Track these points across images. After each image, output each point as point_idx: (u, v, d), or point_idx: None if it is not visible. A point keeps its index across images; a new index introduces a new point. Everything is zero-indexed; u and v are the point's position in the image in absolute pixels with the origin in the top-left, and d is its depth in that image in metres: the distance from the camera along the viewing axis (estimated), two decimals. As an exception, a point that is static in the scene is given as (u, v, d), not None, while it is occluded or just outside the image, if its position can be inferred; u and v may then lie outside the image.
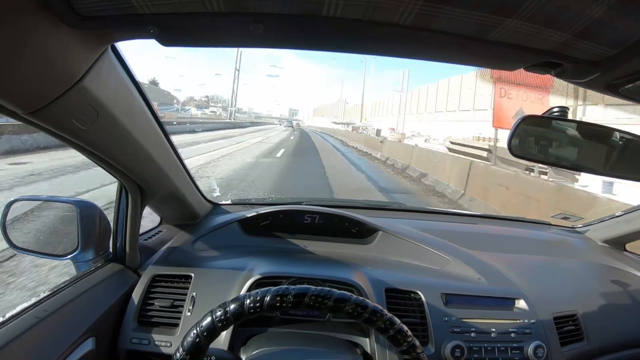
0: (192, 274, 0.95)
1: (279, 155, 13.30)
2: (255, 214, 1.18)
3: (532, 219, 1.68)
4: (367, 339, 0.86)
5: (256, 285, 0.89)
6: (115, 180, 0.89)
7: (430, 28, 0.43)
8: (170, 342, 0.85)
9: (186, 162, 1.03)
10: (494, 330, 0.90)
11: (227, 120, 45.32)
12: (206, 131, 24.65)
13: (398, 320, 0.63)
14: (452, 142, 14.92)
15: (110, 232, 0.95)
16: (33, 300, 0.72)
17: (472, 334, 0.88)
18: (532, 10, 0.37)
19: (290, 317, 0.89)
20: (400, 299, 0.93)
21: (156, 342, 0.85)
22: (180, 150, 0.97)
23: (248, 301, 0.60)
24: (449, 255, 1.12)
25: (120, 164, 0.79)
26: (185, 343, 0.58)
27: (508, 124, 7.14)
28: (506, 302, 0.97)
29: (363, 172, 10.31)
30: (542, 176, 7.03)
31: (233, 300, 0.60)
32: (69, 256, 0.90)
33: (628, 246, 1.41)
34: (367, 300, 0.63)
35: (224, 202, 1.43)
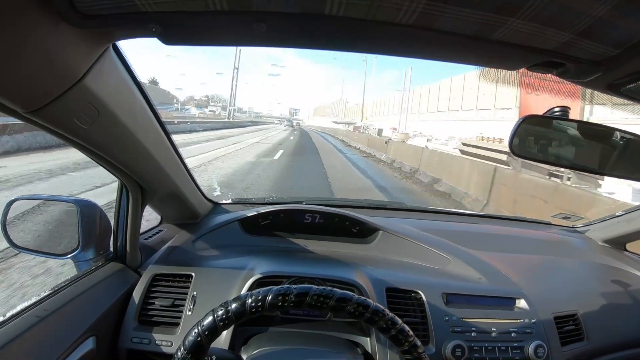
0: (193, 273, 0.95)
1: (276, 157, 11.96)
2: (255, 213, 1.18)
3: (533, 218, 1.68)
4: (368, 339, 0.86)
5: (257, 284, 0.89)
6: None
7: (433, 27, 0.43)
8: (170, 341, 0.85)
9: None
10: (494, 329, 0.90)
11: (226, 120, 44.53)
12: (202, 131, 23.22)
13: (399, 320, 0.63)
14: (464, 144, 12.73)
15: (110, 231, 0.95)
16: (34, 299, 0.72)
17: (473, 334, 0.88)
18: (534, 9, 0.37)
19: (291, 317, 0.89)
20: (401, 299, 0.93)
21: (157, 342, 0.85)
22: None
23: (250, 300, 0.60)
24: (449, 255, 1.12)
25: (121, 163, 0.79)
26: (186, 342, 0.58)
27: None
28: (507, 302, 0.97)
29: (369, 177, 9.35)
30: (554, 179, 6.32)
31: (235, 300, 0.60)
32: (69, 255, 0.90)
33: (628, 246, 1.41)
34: (368, 300, 0.63)
35: (224, 202, 1.43)
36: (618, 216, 1.39)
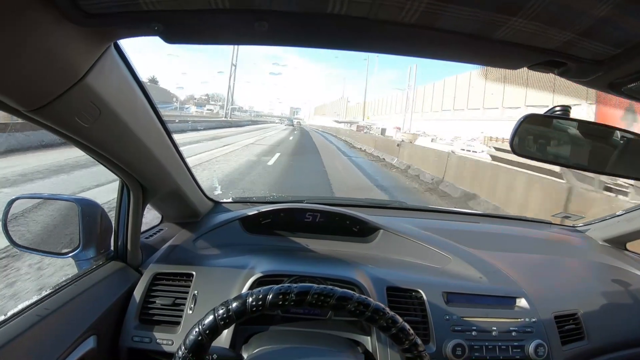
0: (194, 272, 0.96)
1: (271, 162, 9.93)
2: (256, 212, 1.18)
3: (533, 217, 1.68)
4: (369, 337, 0.86)
5: (258, 283, 0.89)
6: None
7: (435, 26, 0.43)
8: (171, 340, 0.86)
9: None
10: (495, 328, 0.90)
11: (223, 119, 43.11)
12: (196, 131, 21.23)
13: (400, 319, 0.63)
14: (497, 148, 9.98)
15: (111, 230, 0.95)
16: (34, 298, 0.72)
17: (473, 333, 0.89)
18: (536, 9, 0.37)
19: (291, 316, 0.89)
20: (402, 298, 0.93)
21: (158, 340, 0.86)
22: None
23: (250, 299, 0.60)
24: (450, 254, 1.12)
25: (122, 162, 0.79)
26: (187, 341, 0.59)
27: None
28: (507, 301, 0.97)
29: (383, 189, 7.58)
30: (620, 196, 4.96)
31: (235, 299, 0.60)
32: (70, 254, 0.90)
33: (629, 245, 1.42)
34: (369, 298, 0.64)
35: (225, 200, 1.43)
36: (618, 216, 1.39)
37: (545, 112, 0.70)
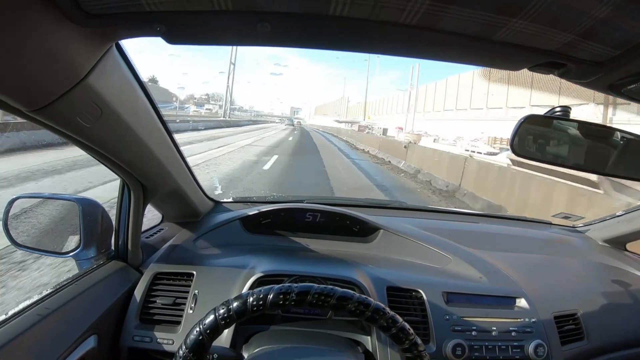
0: (194, 272, 0.96)
1: (267, 167, 8.88)
2: (257, 212, 1.18)
3: (533, 218, 1.68)
4: (369, 337, 0.86)
5: (258, 283, 0.89)
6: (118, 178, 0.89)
7: (436, 28, 0.43)
8: (172, 339, 0.86)
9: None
10: (494, 328, 0.90)
11: (221, 119, 42.08)
12: (192, 131, 20.00)
13: (400, 319, 0.63)
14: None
15: (112, 229, 0.95)
16: (35, 297, 0.72)
17: (473, 333, 0.89)
18: (537, 10, 0.37)
19: (292, 315, 0.89)
20: (402, 297, 0.93)
21: (158, 340, 0.86)
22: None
23: (251, 299, 0.60)
24: (450, 254, 1.12)
25: (123, 162, 0.79)
26: (188, 341, 0.59)
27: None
28: (507, 301, 0.97)
29: (394, 197, 6.82)
30: None
31: (236, 298, 0.61)
32: (71, 254, 0.90)
33: (628, 246, 1.42)
34: (369, 298, 0.64)
35: (225, 200, 1.43)
36: (618, 216, 1.39)
37: (545, 113, 0.70)
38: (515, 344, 0.89)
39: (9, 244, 0.89)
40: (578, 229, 1.53)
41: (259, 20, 0.44)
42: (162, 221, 1.26)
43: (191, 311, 0.89)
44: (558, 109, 0.68)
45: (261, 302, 0.60)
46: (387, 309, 0.63)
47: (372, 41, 0.51)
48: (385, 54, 0.55)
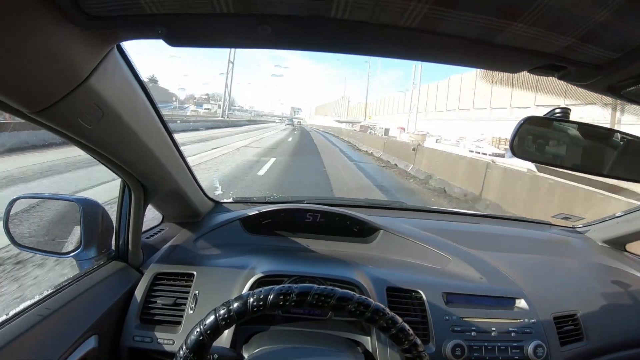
0: (195, 272, 0.96)
1: (262, 172, 7.94)
2: (257, 212, 1.18)
3: (533, 218, 1.68)
4: (369, 338, 0.86)
5: (258, 283, 0.89)
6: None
7: (436, 31, 0.43)
8: (172, 339, 0.86)
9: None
10: (494, 329, 0.90)
11: (219, 118, 40.41)
12: (185, 131, 19.14)
13: (400, 319, 0.64)
14: None
15: (112, 230, 0.96)
16: (36, 298, 0.73)
17: (473, 333, 0.89)
18: (537, 14, 0.38)
19: (292, 316, 0.90)
20: (402, 298, 0.93)
21: (159, 340, 0.86)
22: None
23: (251, 300, 0.60)
24: (449, 255, 1.12)
25: (124, 162, 0.79)
26: (188, 341, 0.59)
27: None
28: (506, 302, 0.97)
29: None
30: None
31: (236, 299, 0.61)
32: (71, 254, 0.90)
33: (628, 246, 1.42)
34: (369, 299, 0.64)
35: (225, 200, 1.43)
36: (618, 217, 1.39)
37: (545, 114, 0.70)
38: (514, 344, 0.89)
39: (10, 243, 0.89)
40: (578, 229, 1.54)
41: (260, 23, 0.44)
42: (162, 221, 1.26)
43: (191, 311, 0.89)
44: (558, 111, 0.68)
45: (261, 303, 0.60)
46: (387, 310, 0.63)
47: (373, 44, 0.51)
48: (385, 57, 0.56)
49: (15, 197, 0.91)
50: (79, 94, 0.52)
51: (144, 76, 0.71)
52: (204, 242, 1.14)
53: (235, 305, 0.60)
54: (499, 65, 0.55)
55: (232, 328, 0.82)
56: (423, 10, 0.38)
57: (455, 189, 7.50)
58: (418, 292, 0.94)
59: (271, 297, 0.60)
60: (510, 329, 0.91)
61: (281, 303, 0.61)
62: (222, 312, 0.60)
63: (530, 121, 0.72)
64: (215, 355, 0.64)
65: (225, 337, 0.82)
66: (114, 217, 0.96)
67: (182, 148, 0.96)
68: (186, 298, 0.92)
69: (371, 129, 33.05)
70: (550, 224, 1.61)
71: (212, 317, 0.59)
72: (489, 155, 12.03)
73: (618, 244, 1.41)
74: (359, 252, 1.16)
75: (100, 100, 0.57)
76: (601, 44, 0.43)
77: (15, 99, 0.48)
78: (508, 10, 0.38)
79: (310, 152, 15.04)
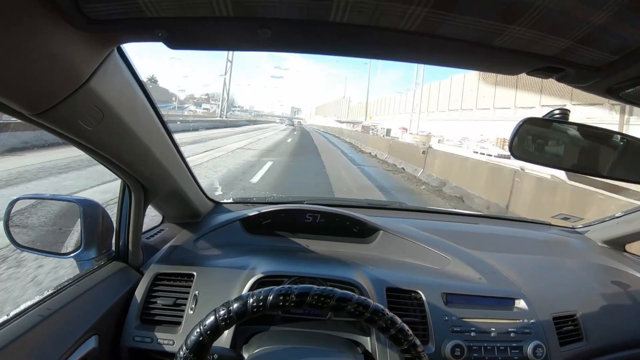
0: (195, 273, 0.96)
1: (256, 179, 7.12)
2: (257, 212, 1.19)
3: (533, 219, 1.68)
4: (368, 338, 0.86)
5: (258, 284, 0.89)
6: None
7: (435, 34, 0.43)
8: (172, 340, 0.86)
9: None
10: (493, 329, 0.90)
11: (218, 119, 39.16)
12: (180, 132, 17.64)
13: (399, 320, 0.64)
14: None
15: (112, 230, 0.96)
16: (37, 298, 0.73)
17: (472, 334, 0.89)
18: (535, 17, 0.38)
19: (292, 316, 0.90)
20: (401, 298, 0.93)
21: (159, 340, 0.86)
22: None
23: (251, 300, 0.60)
24: (449, 255, 1.13)
25: (124, 163, 0.79)
26: (188, 342, 0.59)
27: None
28: (506, 302, 0.97)
29: None
30: None
31: (236, 300, 0.61)
32: (71, 254, 0.90)
33: (628, 247, 1.42)
34: (368, 299, 0.64)
35: (225, 201, 1.43)
36: (617, 217, 1.40)
37: (544, 116, 0.70)
38: (514, 344, 0.89)
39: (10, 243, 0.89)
40: (577, 230, 1.54)
41: (260, 27, 0.44)
42: (162, 222, 1.26)
43: (191, 312, 0.89)
44: (557, 112, 0.69)
45: (261, 303, 0.60)
46: (386, 310, 0.63)
47: (372, 47, 0.52)
48: (384, 59, 0.56)
49: (15, 197, 0.91)
50: (79, 96, 0.53)
51: (144, 77, 0.71)
52: (204, 243, 1.14)
53: (235, 305, 0.60)
54: (498, 67, 0.55)
55: (232, 328, 0.82)
56: (422, 13, 0.39)
57: (475, 200, 6.63)
58: (417, 293, 0.94)
59: (271, 297, 0.61)
60: (509, 329, 0.91)
61: (281, 303, 0.61)
62: (222, 312, 0.60)
63: (529, 122, 0.73)
64: (215, 356, 0.64)
65: (225, 338, 0.82)
66: (114, 217, 0.96)
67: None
68: (186, 298, 0.92)
69: (373, 129, 32.25)
70: (550, 224, 1.61)
71: (212, 318, 0.60)
72: (494, 156, 11.20)
73: (618, 244, 1.41)
74: (359, 252, 1.16)
75: (100, 102, 0.58)
76: (599, 46, 0.43)
77: (16, 101, 0.48)
78: (506, 13, 0.38)
79: (310, 154, 14.08)
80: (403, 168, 10.61)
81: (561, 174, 5.27)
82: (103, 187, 4.70)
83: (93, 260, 0.92)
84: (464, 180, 7.36)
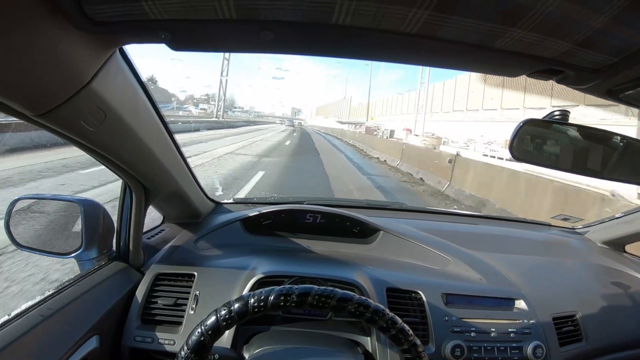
0: (195, 273, 0.96)
1: (242, 195, 5.79)
2: (257, 213, 1.19)
3: (533, 219, 1.69)
4: (369, 338, 0.87)
5: (259, 284, 0.89)
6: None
7: (436, 36, 0.43)
8: (173, 340, 0.86)
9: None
10: (493, 330, 0.90)
11: (214, 119, 37.07)
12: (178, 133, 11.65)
13: (399, 320, 0.64)
14: None
15: (113, 230, 0.96)
16: (38, 298, 0.73)
17: (472, 334, 0.89)
18: (536, 20, 0.38)
19: (292, 316, 0.90)
20: (401, 299, 0.93)
21: (160, 340, 0.86)
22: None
23: (252, 300, 0.61)
24: (449, 256, 1.13)
25: (125, 164, 0.79)
26: (189, 342, 0.59)
27: None
28: (506, 303, 0.98)
29: None
30: None
31: (237, 300, 0.61)
32: (72, 254, 0.90)
33: (627, 248, 1.42)
34: (369, 299, 0.64)
35: (226, 201, 1.44)
36: (617, 218, 1.40)
37: (544, 117, 0.70)
38: (514, 345, 0.90)
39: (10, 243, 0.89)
40: (577, 230, 1.54)
41: (262, 29, 0.45)
42: (163, 222, 1.26)
43: (192, 312, 0.89)
44: (557, 113, 0.69)
45: (262, 304, 0.61)
46: (387, 310, 0.64)
47: (373, 49, 0.52)
48: (386, 61, 0.56)
49: (16, 197, 0.91)
50: (81, 96, 0.53)
51: (144, 76, 0.71)
52: (204, 243, 1.14)
53: (236, 305, 0.60)
54: (498, 69, 0.55)
55: (233, 328, 0.82)
56: (423, 16, 0.39)
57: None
58: (418, 293, 0.94)
59: (272, 297, 0.61)
60: (509, 329, 0.91)
61: (282, 304, 0.61)
62: (223, 312, 0.60)
63: (529, 123, 0.73)
64: (216, 356, 0.64)
65: (226, 338, 0.82)
66: (114, 217, 0.97)
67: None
68: (187, 298, 0.92)
69: (376, 131, 30.34)
70: (550, 225, 1.61)
71: (213, 318, 0.60)
72: (506, 160, 9.33)
73: (617, 245, 1.41)
74: (359, 252, 1.17)
75: (102, 103, 0.58)
76: (599, 48, 0.43)
77: (18, 102, 0.48)
78: (507, 16, 0.39)
79: (311, 160, 12.07)
80: (421, 179, 8.91)
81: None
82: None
83: (94, 260, 0.92)
84: (514, 202, 5.58)
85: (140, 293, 0.92)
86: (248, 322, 0.74)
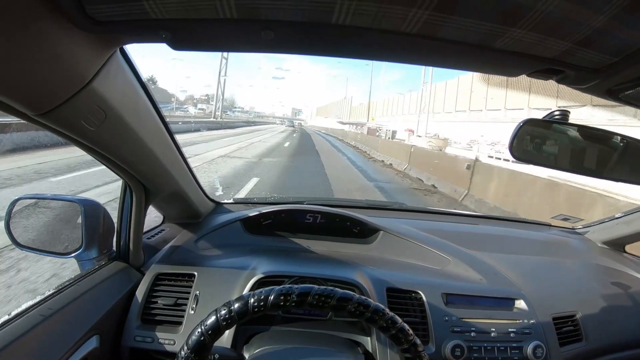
0: (195, 273, 0.96)
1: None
2: (257, 213, 1.19)
3: (533, 219, 1.69)
4: (369, 338, 0.87)
5: (259, 284, 0.89)
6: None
7: (437, 36, 0.44)
8: (173, 340, 0.86)
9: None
10: (493, 330, 0.91)
11: (210, 120, 36.40)
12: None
13: (399, 320, 0.64)
14: None
15: (113, 230, 0.96)
16: (38, 298, 0.73)
17: (472, 334, 0.89)
18: (535, 20, 0.38)
19: (292, 316, 0.90)
20: (402, 299, 0.94)
21: (160, 340, 0.86)
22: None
23: (252, 300, 0.61)
24: (449, 256, 1.13)
25: (126, 164, 0.79)
26: (190, 341, 0.59)
27: None
28: (506, 303, 0.98)
29: None
30: None
31: (237, 300, 0.61)
32: (72, 254, 0.90)
33: (627, 248, 1.42)
34: (369, 299, 0.64)
35: (226, 201, 1.44)
36: (617, 218, 1.40)
37: (544, 117, 0.70)
38: (514, 345, 0.90)
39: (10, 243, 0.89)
40: (577, 230, 1.54)
41: (263, 29, 0.45)
42: (163, 222, 1.26)
43: (192, 312, 0.89)
44: (557, 113, 0.69)
45: (262, 303, 0.61)
46: (387, 310, 0.64)
47: (374, 49, 0.52)
48: (386, 61, 0.56)
49: (16, 197, 0.92)
50: (82, 96, 0.53)
51: (144, 77, 0.72)
52: (204, 243, 1.14)
53: (237, 305, 0.60)
54: (498, 69, 0.55)
55: (233, 328, 0.82)
56: (423, 16, 0.39)
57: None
58: (418, 293, 0.94)
59: (272, 297, 0.61)
60: (509, 329, 0.91)
61: (282, 303, 0.61)
62: (223, 312, 0.60)
63: (529, 123, 0.73)
64: (216, 356, 0.64)
65: (226, 338, 0.82)
66: (115, 217, 0.97)
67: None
68: (187, 298, 0.92)
69: (379, 131, 29.65)
70: (550, 225, 1.61)
71: (213, 318, 0.60)
72: (512, 161, 9.24)
73: (617, 245, 1.41)
74: (359, 252, 1.17)
75: (103, 103, 0.58)
76: (599, 48, 0.44)
77: (19, 101, 0.48)
78: (507, 16, 0.39)
79: (311, 164, 11.24)
80: (433, 185, 8.14)
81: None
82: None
83: (94, 260, 0.92)
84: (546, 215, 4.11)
85: (140, 293, 0.92)
86: (248, 322, 0.74)
